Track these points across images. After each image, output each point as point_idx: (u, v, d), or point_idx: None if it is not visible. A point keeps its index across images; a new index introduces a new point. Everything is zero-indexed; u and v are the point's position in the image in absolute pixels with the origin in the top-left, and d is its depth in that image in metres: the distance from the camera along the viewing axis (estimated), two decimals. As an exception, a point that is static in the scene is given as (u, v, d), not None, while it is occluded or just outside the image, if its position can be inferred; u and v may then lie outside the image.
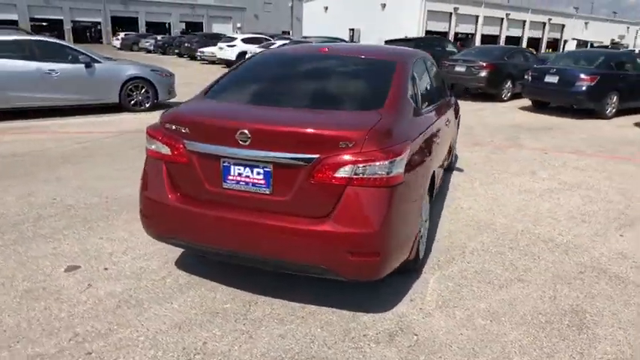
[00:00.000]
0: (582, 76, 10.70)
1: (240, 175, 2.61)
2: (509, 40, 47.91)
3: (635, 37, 59.52)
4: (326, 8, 49.49)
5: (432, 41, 19.42)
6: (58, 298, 2.91)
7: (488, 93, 13.60)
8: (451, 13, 44.20)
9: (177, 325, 2.68)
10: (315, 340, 2.58)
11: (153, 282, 3.13)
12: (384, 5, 43.43)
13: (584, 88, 10.67)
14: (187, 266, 3.34)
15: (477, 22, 46.48)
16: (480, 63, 13.27)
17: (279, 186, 2.54)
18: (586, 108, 11.00)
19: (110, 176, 5.37)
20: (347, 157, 2.41)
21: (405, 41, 18.10)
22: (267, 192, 2.57)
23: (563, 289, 3.24)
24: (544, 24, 51.70)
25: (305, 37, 27.22)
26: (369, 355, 2.48)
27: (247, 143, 2.52)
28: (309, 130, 2.49)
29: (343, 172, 2.42)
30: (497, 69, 13.30)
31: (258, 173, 2.57)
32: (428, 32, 40.55)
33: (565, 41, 53.10)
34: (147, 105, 9.62)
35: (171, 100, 10.41)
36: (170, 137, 2.76)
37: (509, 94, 13.73)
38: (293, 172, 2.50)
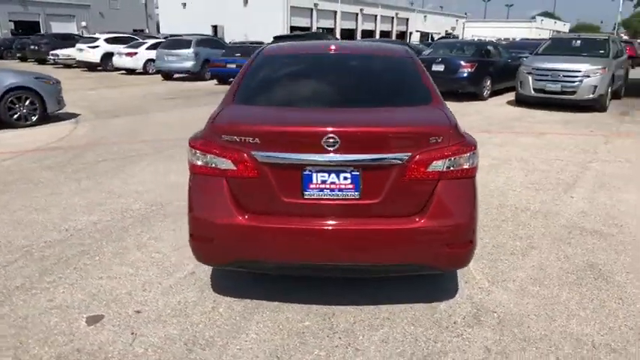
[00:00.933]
0: (463, 63, 12.08)
1: (324, 182, 2.45)
2: (365, 33, 51.44)
3: (463, 29, 68.73)
4: (184, 5, 47.28)
5: (321, 36, 19.95)
6: (106, 357, 2.41)
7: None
8: (312, 9, 45.77)
9: (272, 354, 2.43)
10: (418, 337, 2.58)
11: (206, 315, 2.77)
12: (245, 1, 43.17)
13: (465, 74, 12.06)
14: (229, 290, 3.02)
15: (335, 17, 48.87)
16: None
17: (369, 188, 2.46)
18: (468, 92, 12.43)
19: (47, 204, 4.52)
20: (439, 152, 2.44)
21: (295, 37, 18.27)
22: (356, 196, 2.46)
23: (567, 249, 3.71)
24: (392, 18, 56.59)
25: (173, 35, 25.61)
26: (472, 340, 2.56)
27: (335, 148, 2.38)
28: (402, 129, 2.47)
29: (436, 167, 2.44)
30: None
31: (346, 178, 2.45)
32: (292, 28, 41.45)
33: (410, 33, 58.90)
34: (34, 119, 8.19)
35: (61, 111, 9.06)
36: (231, 150, 2.46)
37: (396, 84, 14.83)
38: (384, 173, 2.44)
